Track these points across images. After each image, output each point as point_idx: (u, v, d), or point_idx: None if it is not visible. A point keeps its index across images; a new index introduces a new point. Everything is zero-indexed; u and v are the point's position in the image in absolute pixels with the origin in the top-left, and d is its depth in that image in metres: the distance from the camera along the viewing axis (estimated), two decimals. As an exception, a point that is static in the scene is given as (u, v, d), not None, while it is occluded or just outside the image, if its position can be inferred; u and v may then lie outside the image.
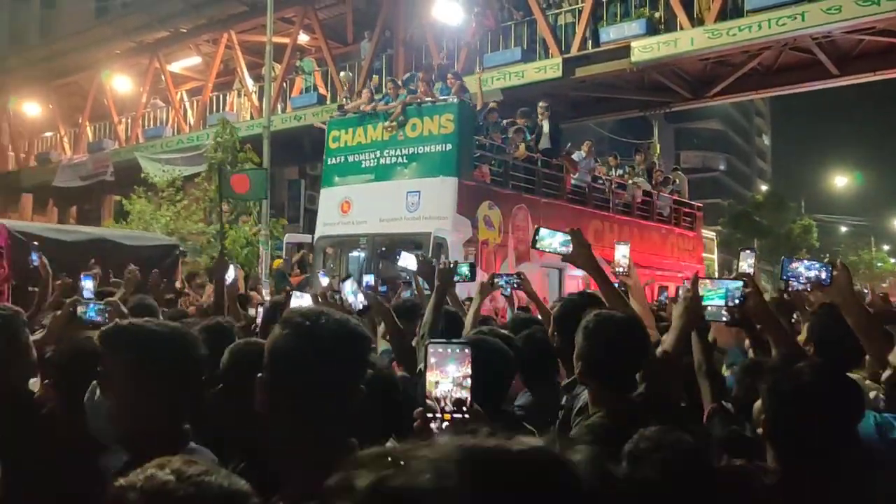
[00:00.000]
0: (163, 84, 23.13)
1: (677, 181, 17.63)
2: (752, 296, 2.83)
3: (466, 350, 1.39)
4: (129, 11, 25.31)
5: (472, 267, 4.52)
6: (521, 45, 16.29)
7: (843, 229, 53.00)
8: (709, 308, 2.83)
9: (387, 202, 11.49)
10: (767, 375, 2.20)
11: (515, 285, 5.10)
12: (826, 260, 3.53)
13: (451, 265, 4.12)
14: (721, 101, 21.14)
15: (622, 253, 3.73)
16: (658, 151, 29.67)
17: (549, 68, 15.58)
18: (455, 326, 3.99)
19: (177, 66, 23.49)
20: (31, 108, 25.72)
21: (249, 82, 21.12)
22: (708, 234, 47.98)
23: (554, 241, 3.14)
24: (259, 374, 1.54)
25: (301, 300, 3.23)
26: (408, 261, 4.84)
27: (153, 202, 18.89)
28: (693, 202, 18.48)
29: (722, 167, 68.46)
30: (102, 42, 23.53)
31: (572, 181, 13.71)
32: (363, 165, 12.14)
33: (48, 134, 26.58)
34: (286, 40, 19.92)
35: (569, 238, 3.10)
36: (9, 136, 27.31)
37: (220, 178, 11.20)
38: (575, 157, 14.16)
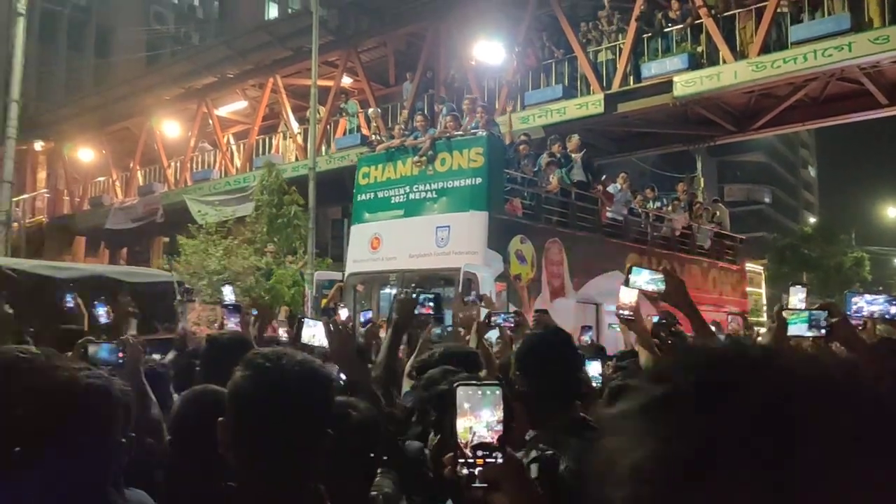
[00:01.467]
0: (210, 128, 23.74)
1: (718, 213, 17.27)
2: (840, 325, 2.75)
3: (498, 392, 1.35)
4: (178, 59, 26.24)
5: (438, 298, 3.83)
6: (562, 83, 16.37)
7: (897, 261, 51.48)
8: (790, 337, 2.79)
9: (416, 238, 11.36)
10: None
11: (513, 323, 4.80)
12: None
13: (413, 295, 3.63)
14: (767, 134, 20.88)
15: (629, 295, 3.41)
16: (702, 185, 29.41)
17: (590, 104, 15.60)
18: (472, 367, 3.42)
19: (224, 111, 24.12)
20: (86, 154, 26.59)
21: (294, 125, 21.56)
22: (755, 268, 47.06)
23: (641, 278, 3.09)
24: (220, 418, 1.52)
25: (314, 328, 3.13)
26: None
27: (204, 242, 19.27)
28: (735, 235, 18.07)
29: (767, 200, 67.36)
30: (152, 89, 24.30)
31: (608, 214, 13.49)
32: (393, 201, 12.08)
33: (101, 178, 27.41)
34: (330, 83, 20.32)
35: (660, 276, 3.06)
36: (65, 181, 28.23)
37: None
38: (610, 189, 13.98)
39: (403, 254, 11.42)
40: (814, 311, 2.83)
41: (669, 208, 15.48)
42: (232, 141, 24.27)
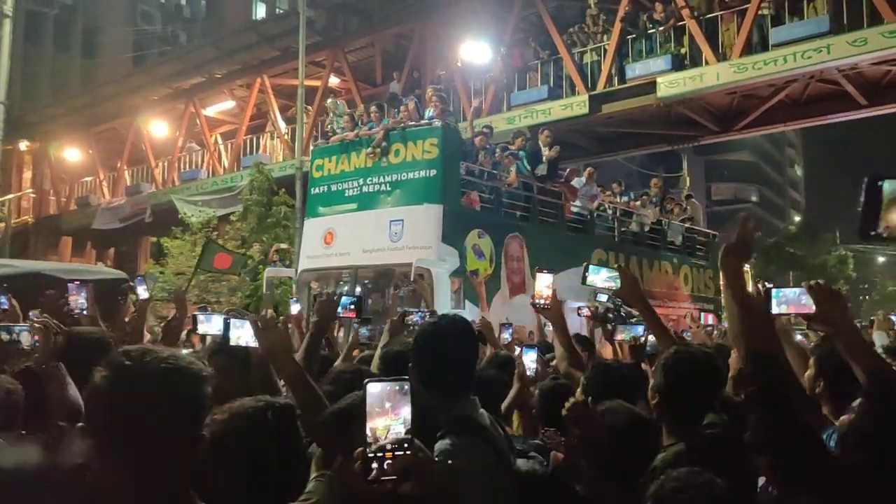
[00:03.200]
0: (198, 128, 23.75)
1: (689, 209, 16.92)
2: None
3: (406, 386, 1.36)
4: (166, 59, 26.21)
5: (360, 301, 3.70)
6: (547, 84, 16.51)
7: (881, 259, 52.04)
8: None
9: (370, 232, 10.81)
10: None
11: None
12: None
13: (335, 296, 3.49)
14: (751, 135, 21.09)
15: (544, 283, 3.57)
16: (688, 184, 29.63)
17: (575, 105, 15.75)
18: (506, 368, 3.64)
19: (211, 111, 24.12)
20: (72, 154, 26.52)
21: (282, 125, 21.61)
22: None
23: (599, 277, 3.19)
24: (80, 423, 1.44)
25: (241, 329, 2.83)
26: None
27: (189, 241, 19.31)
28: (709, 231, 17.82)
29: (754, 198, 67.79)
30: (140, 89, 24.28)
31: (572, 209, 13.09)
32: (346, 194, 11.54)
33: (88, 179, 27.35)
34: (317, 83, 20.38)
35: (616, 274, 3.13)
36: (51, 181, 28.15)
37: (204, 251, 10.97)
38: (574, 183, 13.56)
39: (357, 249, 10.83)
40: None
41: (638, 203, 15.02)
42: (220, 141, 24.27)
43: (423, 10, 18.51)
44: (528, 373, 3.74)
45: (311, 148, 13.04)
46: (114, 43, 34.96)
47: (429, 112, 11.43)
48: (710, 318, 13.65)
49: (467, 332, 2.48)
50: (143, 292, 4.77)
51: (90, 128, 26.26)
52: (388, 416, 1.36)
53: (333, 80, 21.17)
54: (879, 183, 1.72)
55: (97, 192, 26.49)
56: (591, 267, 3.18)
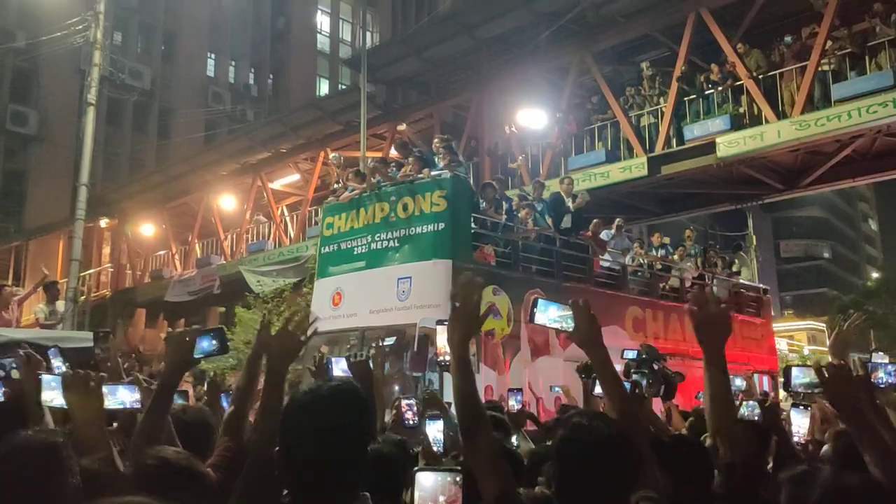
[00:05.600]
0: (265, 201, 24.55)
1: (737, 262, 16.32)
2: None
3: (458, 478, 1.34)
4: (234, 136, 27.41)
5: (221, 333, 2.88)
6: (605, 147, 16.56)
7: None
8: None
9: (377, 291, 10.19)
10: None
11: (348, 371, 3.94)
12: None
13: (186, 336, 2.76)
14: (817, 191, 20.59)
15: (444, 341, 3.09)
16: (754, 242, 28.96)
17: (634, 167, 15.72)
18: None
19: (277, 184, 24.95)
20: (147, 229, 27.68)
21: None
22: (817, 325, 45.49)
23: (547, 315, 2.59)
24: None
25: (54, 390, 2.68)
26: (339, 365, 4.07)
27: (258, 312, 19.73)
28: (759, 285, 16.96)
29: (826, 255, 65.68)
30: (210, 165, 25.36)
31: (602, 263, 12.48)
32: (355, 252, 11.00)
33: (161, 252, 28.43)
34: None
35: (570, 314, 2.53)
36: (127, 255, 29.36)
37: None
38: (603, 235, 12.96)
39: (364, 309, 10.20)
40: None
41: (676, 257, 14.39)
42: (286, 212, 25.01)
43: (480, 80, 18.97)
44: (433, 447, 3.48)
45: (324, 204, 12.57)
46: (187, 123, 36.83)
47: (438, 163, 10.98)
48: (766, 382, 12.98)
49: (350, 404, 1.89)
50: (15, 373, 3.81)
51: (164, 204, 27.44)
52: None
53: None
54: None
55: (170, 266, 27.45)
56: (539, 302, 2.60)
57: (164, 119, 38.89)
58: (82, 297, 25.39)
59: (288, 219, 24.68)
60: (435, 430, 3.55)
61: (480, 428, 2.14)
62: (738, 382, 5.18)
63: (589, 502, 2.01)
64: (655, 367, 4.50)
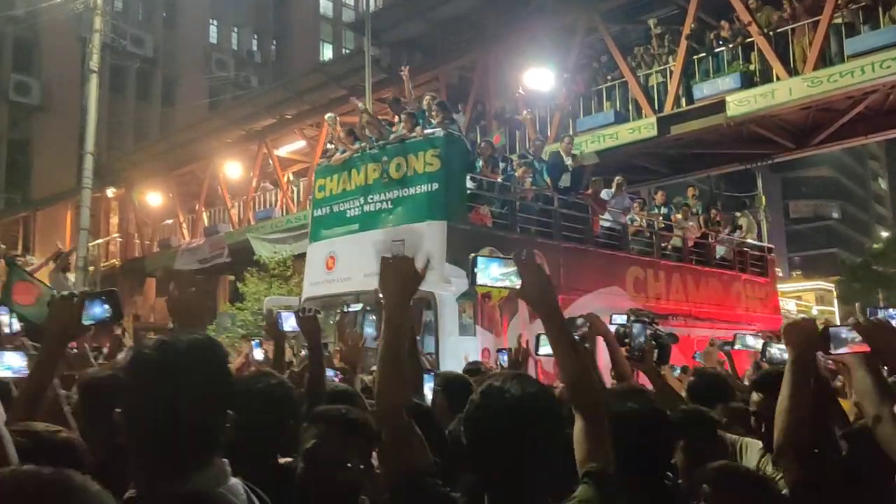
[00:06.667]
0: (271, 168, 24.46)
1: (742, 222, 16.12)
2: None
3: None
4: (239, 103, 27.25)
5: (114, 296, 2.68)
6: (613, 107, 16.37)
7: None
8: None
9: (371, 254, 9.71)
10: None
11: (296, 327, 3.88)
12: None
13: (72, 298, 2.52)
14: (828, 149, 20.36)
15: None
16: (763, 202, 28.77)
17: (643, 128, 15.53)
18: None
19: (283, 151, 24.84)
20: (154, 198, 27.69)
21: (351, 161, 22.02)
22: (826, 285, 45.46)
23: (489, 273, 2.28)
24: None
25: None
26: (288, 321, 3.89)
27: (265, 281, 19.78)
28: (764, 244, 16.86)
29: (836, 215, 65.28)
30: (215, 132, 25.25)
31: (602, 223, 12.25)
32: (348, 215, 10.76)
33: (168, 221, 28.47)
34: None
35: (514, 269, 2.20)
36: (135, 224, 29.42)
37: (7, 278, 8.16)
38: (603, 195, 12.63)
39: (358, 273, 9.71)
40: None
41: (679, 216, 14.09)
42: (292, 179, 24.94)
43: (485, 41, 18.70)
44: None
45: (316, 166, 12.18)
46: (190, 90, 36.63)
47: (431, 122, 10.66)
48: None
49: (202, 361, 1.60)
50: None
51: (170, 172, 27.39)
52: None
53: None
54: None
55: (177, 234, 27.51)
56: (478, 261, 2.27)
57: (167, 87, 38.67)
58: (92, 268, 25.52)
59: (294, 186, 24.62)
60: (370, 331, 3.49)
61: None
62: (751, 341, 5.00)
63: (502, 473, 1.77)
64: (648, 331, 4.25)
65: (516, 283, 2.15)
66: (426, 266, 2.22)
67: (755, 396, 2.94)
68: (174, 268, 26.08)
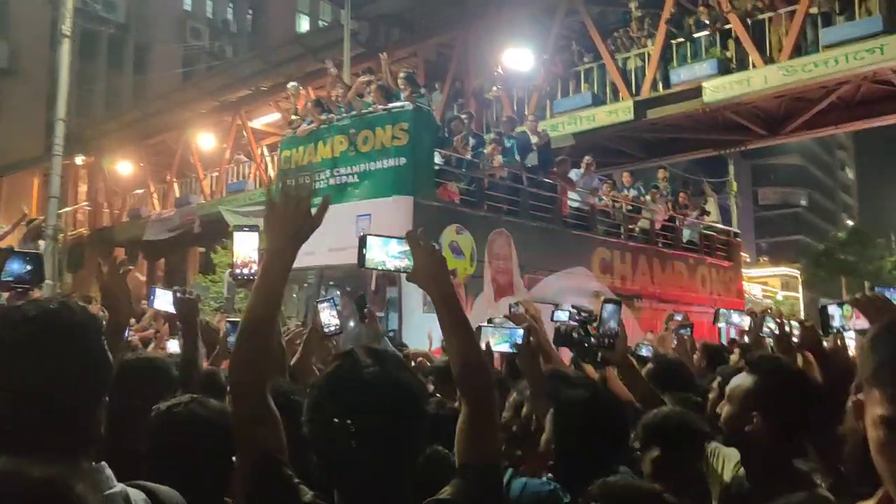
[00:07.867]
0: (245, 140, 24.19)
1: (707, 206, 16.40)
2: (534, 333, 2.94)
3: None
4: (213, 73, 26.84)
5: (38, 260, 2.67)
6: (591, 90, 16.43)
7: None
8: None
9: (336, 229, 9.06)
10: None
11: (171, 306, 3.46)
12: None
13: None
14: (800, 138, 20.67)
15: (250, 245, 2.74)
16: (734, 188, 29.12)
17: (620, 111, 15.62)
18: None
19: (258, 123, 24.54)
20: (124, 168, 27.24)
21: (326, 136, 21.85)
22: (791, 271, 46.35)
23: (382, 254, 2.12)
24: None
25: None
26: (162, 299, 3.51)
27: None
28: (730, 229, 17.15)
29: (803, 203, 66.39)
30: (188, 103, 24.86)
31: (570, 203, 12.22)
32: (314, 187, 10.75)
33: (139, 191, 28.07)
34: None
35: (407, 249, 2.04)
36: (104, 194, 28.94)
37: None
38: (572, 175, 12.61)
39: (322, 247, 9.42)
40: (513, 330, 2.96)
41: (648, 198, 14.19)
42: (266, 152, 24.68)
43: (465, 19, 18.58)
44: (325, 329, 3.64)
45: (281, 138, 11.89)
46: (164, 59, 35.93)
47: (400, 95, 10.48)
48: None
49: (45, 333, 1.38)
50: None
51: (141, 141, 26.96)
52: None
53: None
54: None
55: (148, 205, 27.15)
56: (368, 241, 2.12)
57: (140, 54, 37.87)
58: (61, 236, 25.11)
59: (268, 159, 24.37)
60: (328, 315, 3.50)
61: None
62: (737, 318, 5.01)
63: (358, 457, 1.54)
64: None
65: (411, 264, 1.99)
66: (324, 210, 1.96)
67: (729, 408, 2.45)
68: (143, 238, 25.78)
